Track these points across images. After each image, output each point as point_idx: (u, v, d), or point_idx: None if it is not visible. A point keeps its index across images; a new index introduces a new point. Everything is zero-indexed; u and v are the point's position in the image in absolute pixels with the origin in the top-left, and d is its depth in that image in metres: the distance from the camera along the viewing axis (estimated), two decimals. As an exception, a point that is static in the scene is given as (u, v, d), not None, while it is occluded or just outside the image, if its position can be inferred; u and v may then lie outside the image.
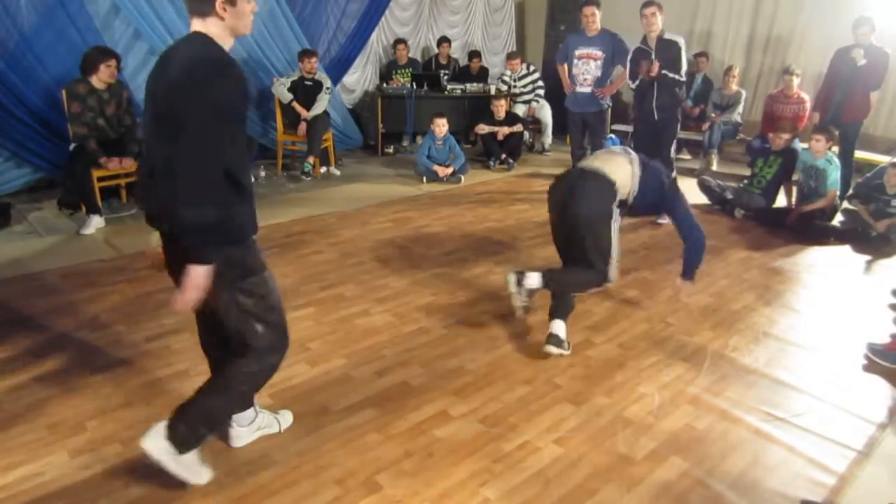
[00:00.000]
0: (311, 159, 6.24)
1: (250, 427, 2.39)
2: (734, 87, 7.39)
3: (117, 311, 3.44)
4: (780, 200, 5.63)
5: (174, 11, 5.64)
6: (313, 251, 4.39)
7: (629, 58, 5.27)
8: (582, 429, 2.55)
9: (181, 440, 2.05)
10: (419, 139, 7.42)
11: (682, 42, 5.07)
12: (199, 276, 1.86)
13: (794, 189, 5.57)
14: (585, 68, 5.61)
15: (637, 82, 5.20)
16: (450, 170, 6.30)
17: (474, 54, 8.33)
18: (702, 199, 5.83)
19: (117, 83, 4.93)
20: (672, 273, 4.18)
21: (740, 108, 7.41)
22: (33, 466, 2.23)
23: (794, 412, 2.72)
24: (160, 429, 2.05)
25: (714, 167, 7.17)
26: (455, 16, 8.91)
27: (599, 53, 5.55)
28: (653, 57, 5.02)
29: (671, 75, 5.10)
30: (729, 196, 5.62)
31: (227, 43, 1.92)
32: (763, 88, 7.77)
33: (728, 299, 3.83)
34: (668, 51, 5.04)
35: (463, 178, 6.41)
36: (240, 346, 2.10)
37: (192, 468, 2.12)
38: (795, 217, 5.16)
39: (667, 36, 5.05)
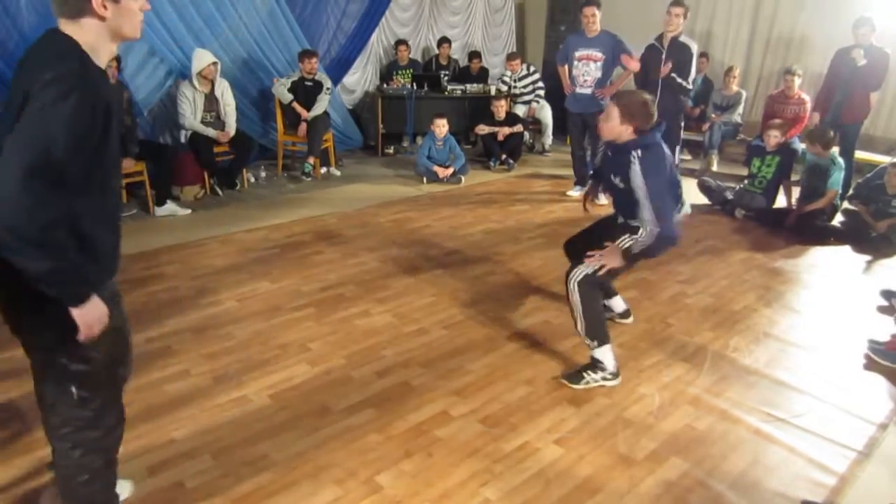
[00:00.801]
0: (311, 160, 6.24)
1: None
2: (734, 87, 7.39)
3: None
4: (780, 200, 5.62)
5: (174, 12, 5.65)
6: (314, 251, 4.38)
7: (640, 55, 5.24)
8: (582, 429, 2.55)
9: None
10: (419, 140, 7.42)
11: (694, 48, 4.99)
12: None
13: (794, 189, 5.57)
14: (585, 69, 5.60)
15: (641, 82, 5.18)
16: (450, 171, 6.29)
17: (474, 55, 8.33)
18: (702, 199, 5.83)
19: (118, 84, 4.93)
20: (672, 273, 4.19)
21: (741, 109, 7.41)
22: (36, 466, 2.23)
23: (795, 413, 2.72)
24: None
25: (714, 168, 7.17)
26: (455, 16, 8.91)
27: (599, 55, 5.52)
28: (663, 56, 4.98)
29: (678, 80, 5.04)
30: (729, 196, 5.62)
31: (103, 49, 1.61)
32: (763, 89, 7.77)
33: (728, 300, 3.83)
34: (680, 53, 4.98)
35: (463, 178, 6.41)
36: None
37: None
38: (795, 217, 5.16)
39: (682, 39, 4.97)
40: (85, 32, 1.57)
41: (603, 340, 2.86)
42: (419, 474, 2.26)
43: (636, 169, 2.72)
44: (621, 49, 5.48)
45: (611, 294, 3.43)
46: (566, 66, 5.79)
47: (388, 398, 2.71)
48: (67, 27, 1.56)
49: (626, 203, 2.90)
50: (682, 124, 5.31)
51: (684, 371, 3.02)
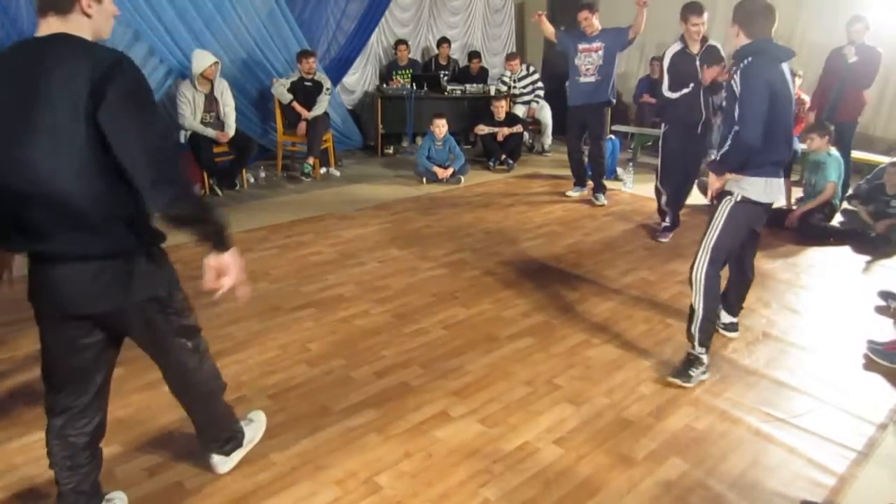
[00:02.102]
0: (310, 160, 6.24)
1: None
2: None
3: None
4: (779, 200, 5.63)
5: (174, 12, 5.65)
6: (313, 252, 4.39)
7: (666, 67, 4.78)
8: (582, 429, 2.55)
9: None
10: (419, 140, 7.42)
11: (720, 47, 4.69)
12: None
13: (793, 189, 5.58)
14: (588, 59, 5.58)
15: (681, 92, 4.66)
16: (449, 171, 6.30)
17: (474, 55, 8.33)
18: (702, 199, 5.82)
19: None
20: (672, 274, 4.19)
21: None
22: (31, 468, 2.23)
23: (794, 413, 2.72)
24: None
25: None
26: (455, 16, 8.92)
27: (598, 45, 5.56)
28: (697, 63, 4.59)
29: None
30: (729, 196, 5.62)
31: None
32: (762, 89, 7.77)
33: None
34: (713, 58, 4.59)
35: (463, 178, 6.41)
36: None
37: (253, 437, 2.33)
38: (795, 218, 5.16)
39: (711, 42, 4.65)
40: (76, 29, 1.59)
41: (707, 343, 2.93)
42: (419, 474, 2.26)
43: (736, 78, 2.71)
44: (623, 32, 5.52)
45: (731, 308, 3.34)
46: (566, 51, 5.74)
47: (388, 398, 2.71)
48: (56, 24, 1.58)
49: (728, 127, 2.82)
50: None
51: (684, 371, 3.02)
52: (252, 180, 6.14)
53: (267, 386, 2.77)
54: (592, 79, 5.61)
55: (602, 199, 5.83)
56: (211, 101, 5.61)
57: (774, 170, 2.82)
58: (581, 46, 5.63)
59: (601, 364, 3.06)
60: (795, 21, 7.44)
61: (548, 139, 7.95)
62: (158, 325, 1.85)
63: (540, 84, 7.87)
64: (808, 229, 5.06)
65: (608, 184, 6.06)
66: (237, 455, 2.26)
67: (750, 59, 2.70)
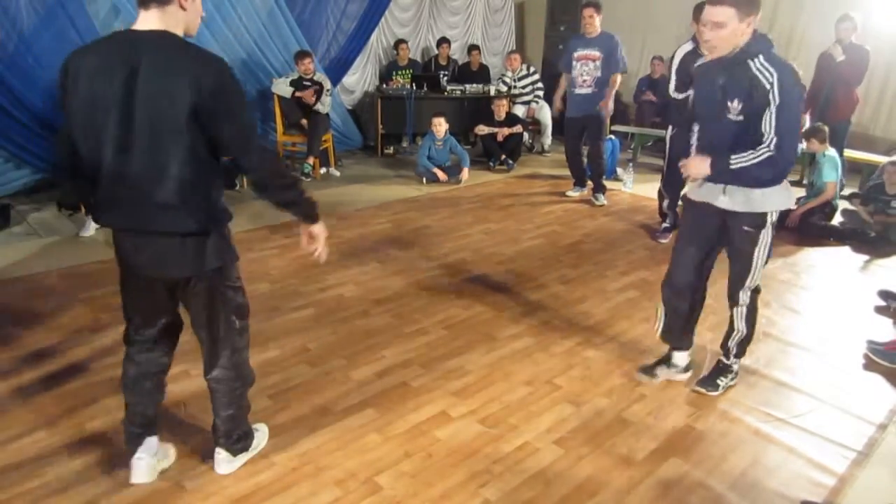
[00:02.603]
0: (310, 160, 6.24)
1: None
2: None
3: (116, 312, 3.43)
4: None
5: (174, 12, 5.64)
6: (312, 252, 4.37)
7: (675, 67, 4.55)
8: (582, 430, 2.55)
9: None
10: (419, 140, 7.42)
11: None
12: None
13: (793, 189, 5.57)
14: (584, 69, 5.51)
15: (689, 93, 4.27)
16: (445, 176, 6.28)
17: (473, 47, 8.32)
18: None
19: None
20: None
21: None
22: (33, 466, 2.23)
23: (794, 413, 2.72)
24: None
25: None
26: (455, 16, 8.92)
27: (598, 54, 5.45)
28: None
29: None
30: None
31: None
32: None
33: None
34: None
35: (462, 179, 6.40)
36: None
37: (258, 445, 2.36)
38: (796, 217, 5.15)
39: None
40: (174, 20, 1.80)
41: (742, 354, 2.89)
42: (419, 475, 2.26)
43: (775, 82, 2.28)
44: (614, 59, 5.43)
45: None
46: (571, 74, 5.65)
47: (388, 399, 2.71)
48: (155, 16, 1.76)
49: (737, 140, 2.44)
50: None
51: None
52: (252, 180, 6.12)
53: (267, 386, 2.76)
54: (588, 90, 5.54)
55: (602, 200, 5.82)
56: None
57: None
58: (578, 53, 5.52)
59: (601, 364, 3.06)
60: (796, 21, 7.44)
61: (547, 139, 7.95)
62: (218, 296, 2.05)
63: (540, 84, 7.87)
64: (808, 229, 5.06)
65: (608, 184, 6.06)
66: (242, 458, 2.27)
67: (767, 55, 2.36)
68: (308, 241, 2.18)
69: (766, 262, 2.70)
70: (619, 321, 3.51)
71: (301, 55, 6.28)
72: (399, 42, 7.91)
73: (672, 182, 4.85)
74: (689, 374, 2.95)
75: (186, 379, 2.79)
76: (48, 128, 5.02)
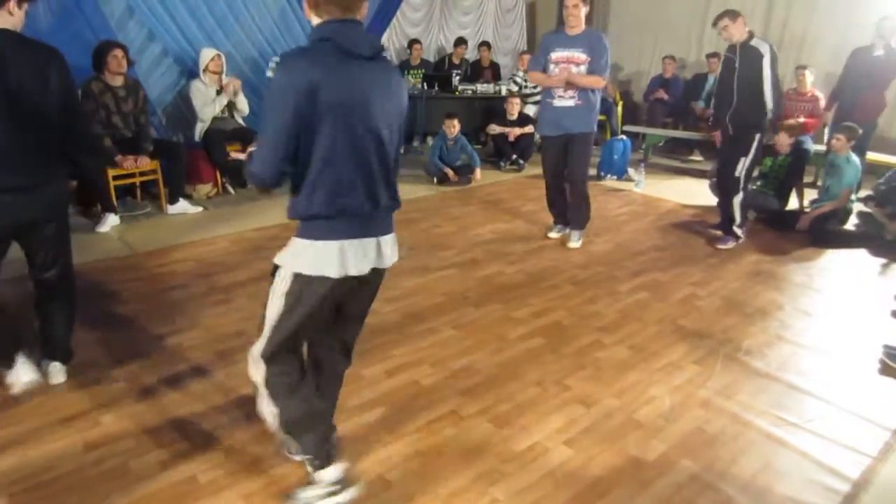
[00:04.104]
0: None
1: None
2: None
3: (131, 307, 3.47)
4: (793, 202, 5.59)
5: (187, 13, 5.68)
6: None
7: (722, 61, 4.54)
8: (592, 430, 2.55)
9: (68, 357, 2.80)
10: (429, 139, 7.43)
11: (765, 49, 4.32)
12: None
13: (806, 191, 5.54)
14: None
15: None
16: (456, 176, 6.28)
17: (483, 44, 8.31)
18: (714, 200, 5.79)
19: (134, 82, 4.98)
20: (684, 275, 4.18)
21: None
22: (48, 458, 2.26)
23: (807, 417, 2.70)
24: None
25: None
26: (466, 16, 8.93)
27: (583, 56, 4.29)
28: (737, 64, 4.43)
29: (770, 110, 4.38)
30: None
31: None
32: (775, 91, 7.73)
33: (740, 302, 3.81)
34: (749, 58, 4.38)
35: (473, 178, 6.40)
36: None
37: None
38: (808, 221, 5.11)
39: (752, 42, 4.38)
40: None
41: None
42: (428, 473, 2.27)
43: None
44: (598, 62, 4.31)
45: None
46: (539, 73, 4.52)
47: (398, 397, 2.72)
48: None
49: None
50: (756, 139, 4.52)
51: (695, 373, 3.01)
52: (264, 179, 6.15)
53: (278, 383, 2.77)
54: (571, 102, 4.35)
55: (577, 242, 4.69)
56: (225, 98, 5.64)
57: None
58: (557, 55, 4.35)
59: (611, 365, 3.05)
60: (808, 22, 7.40)
61: (559, 139, 7.92)
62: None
63: (552, 84, 7.84)
64: (822, 234, 4.99)
65: (619, 184, 6.03)
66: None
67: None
68: None
69: None
70: (630, 322, 3.50)
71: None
72: (413, 42, 7.93)
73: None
74: None
75: (199, 376, 2.81)
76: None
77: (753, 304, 3.81)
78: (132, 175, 5.04)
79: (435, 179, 6.35)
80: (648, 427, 2.58)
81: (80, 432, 2.42)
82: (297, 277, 1.84)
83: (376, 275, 1.96)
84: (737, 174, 4.61)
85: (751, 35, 4.44)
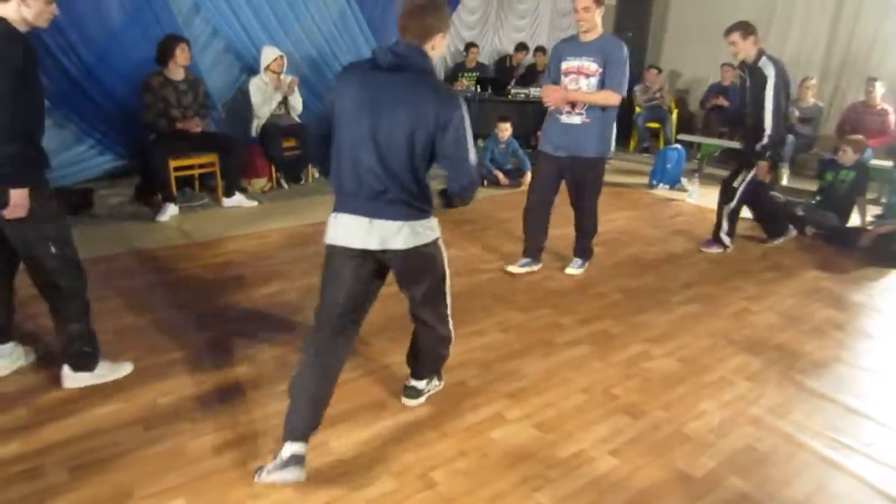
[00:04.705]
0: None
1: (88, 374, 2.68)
2: (811, 99, 7.14)
3: (188, 295, 3.59)
4: (854, 219, 5.40)
5: (250, 11, 5.84)
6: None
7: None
8: (639, 441, 2.52)
9: (80, 363, 2.65)
10: (481, 142, 7.44)
11: (770, 72, 4.19)
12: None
13: (868, 207, 5.35)
14: (574, 87, 3.81)
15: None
16: (506, 180, 6.28)
17: (539, 49, 8.30)
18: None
19: (194, 77, 5.14)
20: (737, 289, 4.09)
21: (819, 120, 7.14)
22: (112, 436, 2.36)
23: (864, 440, 2.61)
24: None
25: (784, 182, 6.94)
26: (522, 20, 8.91)
27: (594, 66, 3.74)
28: (747, 84, 4.40)
29: (765, 143, 4.30)
30: (799, 213, 5.41)
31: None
32: (840, 101, 7.49)
33: (795, 320, 3.71)
34: (755, 80, 4.30)
35: (525, 181, 6.38)
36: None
37: (110, 373, 2.70)
38: (870, 239, 4.93)
39: (760, 63, 4.25)
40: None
41: None
42: (473, 473, 2.28)
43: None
44: (616, 77, 3.74)
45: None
46: (549, 88, 3.94)
47: (445, 397, 2.74)
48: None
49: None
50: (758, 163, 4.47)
51: (747, 390, 2.94)
52: (317, 174, 6.28)
53: (327, 376, 2.83)
54: (578, 119, 3.82)
55: (576, 269, 4.24)
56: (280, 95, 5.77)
57: None
58: (567, 65, 3.83)
59: (660, 377, 3.01)
60: (878, 29, 7.15)
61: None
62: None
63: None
64: (885, 253, 4.79)
65: (672, 194, 5.94)
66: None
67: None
68: None
69: None
70: (679, 335, 3.45)
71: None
72: (469, 45, 7.97)
73: None
74: None
75: (252, 363, 2.89)
76: (132, 118, 5.24)
77: (810, 321, 3.70)
78: (191, 167, 5.20)
79: (485, 182, 6.36)
80: (697, 441, 2.54)
81: (139, 412, 2.52)
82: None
83: (396, 257, 2.20)
84: (735, 184, 4.64)
85: (760, 54, 4.28)
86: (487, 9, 8.45)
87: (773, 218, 5.07)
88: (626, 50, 3.79)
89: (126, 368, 2.77)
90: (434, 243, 2.29)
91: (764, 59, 4.27)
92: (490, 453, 2.40)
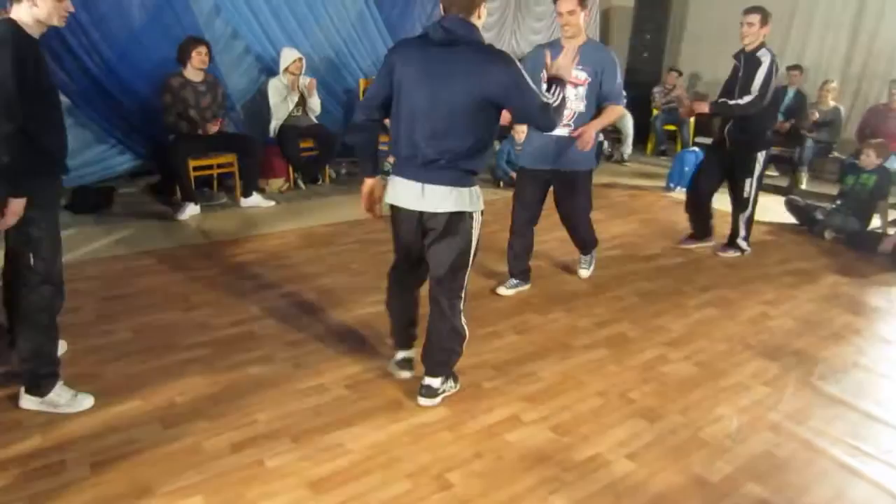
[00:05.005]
0: (391, 159, 6.33)
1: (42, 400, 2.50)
2: (831, 102, 7.05)
3: (206, 294, 3.62)
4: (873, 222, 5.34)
5: (270, 13, 5.89)
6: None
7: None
8: (655, 445, 2.51)
9: (29, 384, 2.47)
10: (497, 144, 7.44)
11: (766, 58, 4.18)
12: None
13: (889, 212, 5.28)
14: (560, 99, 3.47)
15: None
16: None
17: None
18: (789, 219, 5.61)
19: (213, 78, 5.19)
20: (755, 293, 4.05)
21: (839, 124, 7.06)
22: (131, 433, 2.39)
23: (884, 448, 2.58)
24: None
25: (803, 185, 6.87)
26: (539, 22, 8.88)
27: (583, 76, 3.50)
28: (740, 74, 4.28)
29: (732, 102, 4.25)
30: (819, 217, 5.36)
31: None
32: (861, 104, 7.40)
33: (815, 324, 3.67)
34: (749, 66, 4.24)
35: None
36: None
37: (64, 404, 2.49)
38: (892, 243, 4.86)
39: (758, 53, 4.21)
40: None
41: None
42: (489, 475, 2.29)
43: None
44: (610, 85, 3.55)
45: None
46: None
47: (460, 398, 2.74)
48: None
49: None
50: (760, 150, 4.40)
51: (764, 395, 2.92)
52: (334, 176, 6.31)
53: (344, 376, 2.85)
54: (565, 131, 3.53)
55: (587, 269, 4.19)
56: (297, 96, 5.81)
57: None
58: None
59: (677, 381, 3.00)
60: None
61: (628, 148, 7.83)
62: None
63: (623, 92, 7.73)
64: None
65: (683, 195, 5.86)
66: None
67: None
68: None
69: None
70: (696, 339, 3.43)
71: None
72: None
73: None
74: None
75: (269, 363, 2.92)
76: (152, 117, 5.29)
77: (829, 327, 3.66)
78: (210, 167, 5.25)
79: (501, 183, 6.36)
80: (714, 446, 2.53)
81: (157, 410, 2.55)
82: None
83: (433, 220, 2.46)
84: (745, 195, 4.55)
85: (761, 45, 4.25)
86: (505, 11, 8.44)
87: (705, 217, 4.87)
88: (615, 55, 3.63)
89: (85, 404, 2.51)
90: (473, 215, 2.53)
91: (764, 49, 4.24)
92: (506, 455, 2.40)
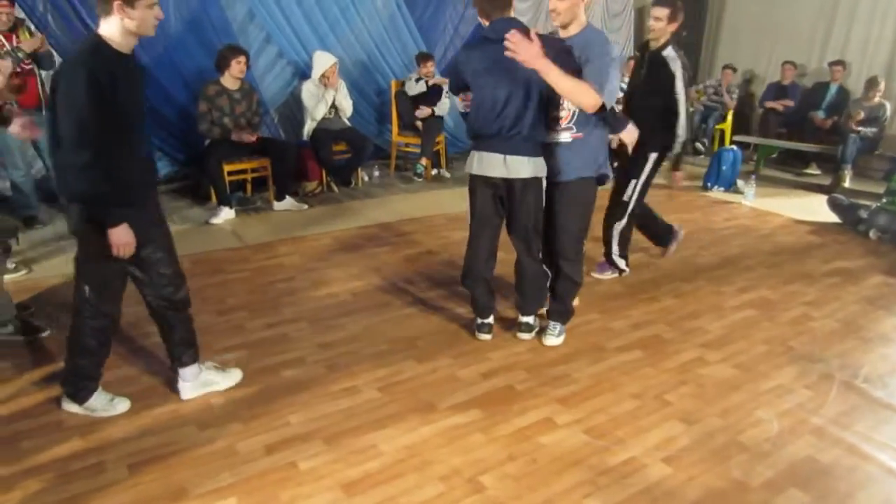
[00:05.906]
0: (423, 161, 6.36)
1: (194, 382, 2.68)
2: (877, 98, 6.83)
3: (241, 297, 3.67)
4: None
5: (303, 18, 5.96)
6: (423, 251, 4.48)
7: None
8: (693, 449, 2.45)
9: (67, 393, 2.54)
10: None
11: (676, 65, 3.69)
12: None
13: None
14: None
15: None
16: None
17: None
18: (832, 217, 5.44)
19: (248, 86, 5.26)
20: (796, 294, 3.94)
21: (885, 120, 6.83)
22: (167, 435, 2.43)
23: (935, 454, 2.48)
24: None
25: (846, 184, 6.65)
26: (524, 3, 8.78)
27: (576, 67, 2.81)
28: (643, 70, 3.87)
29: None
30: (863, 215, 5.19)
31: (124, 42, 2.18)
32: (907, 99, 7.15)
33: (859, 326, 3.55)
34: (654, 68, 3.77)
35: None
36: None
37: (101, 409, 2.55)
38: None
39: (664, 52, 3.71)
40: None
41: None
42: (522, 478, 2.26)
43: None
44: (589, 69, 2.69)
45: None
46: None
47: (494, 400, 2.72)
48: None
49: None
50: (651, 157, 3.90)
51: (807, 398, 2.83)
52: (367, 178, 6.35)
53: (376, 378, 2.86)
54: (567, 135, 2.96)
55: (556, 338, 3.23)
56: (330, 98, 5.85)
57: None
58: None
59: (715, 383, 2.93)
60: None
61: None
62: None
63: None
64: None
65: (727, 196, 5.76)
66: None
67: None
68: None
69: None
70: (736, 340, 3.34)
71: (423, 57, 6.41)
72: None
73: None
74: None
75: (301, 365, 2.94)
76: (189, 123, 5.40)
77: (874, 329, 3.54)
78: (244, 171, 5.33)
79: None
80: (754, 451, 2.46)
81: (193, 413, 2.59)
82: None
83: (515, 187, 2.92)
84: (625, 198, 3.99)
85: (667, 43, 3.72)
86: (538, 9, 8.39)
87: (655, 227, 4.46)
88: (610, 45, 2.83)
89: (120, 408, 2.57)
90: (542, 180, 2.97)
91: (670, 48, 3.69)
92: (539, 458, 2.37)
